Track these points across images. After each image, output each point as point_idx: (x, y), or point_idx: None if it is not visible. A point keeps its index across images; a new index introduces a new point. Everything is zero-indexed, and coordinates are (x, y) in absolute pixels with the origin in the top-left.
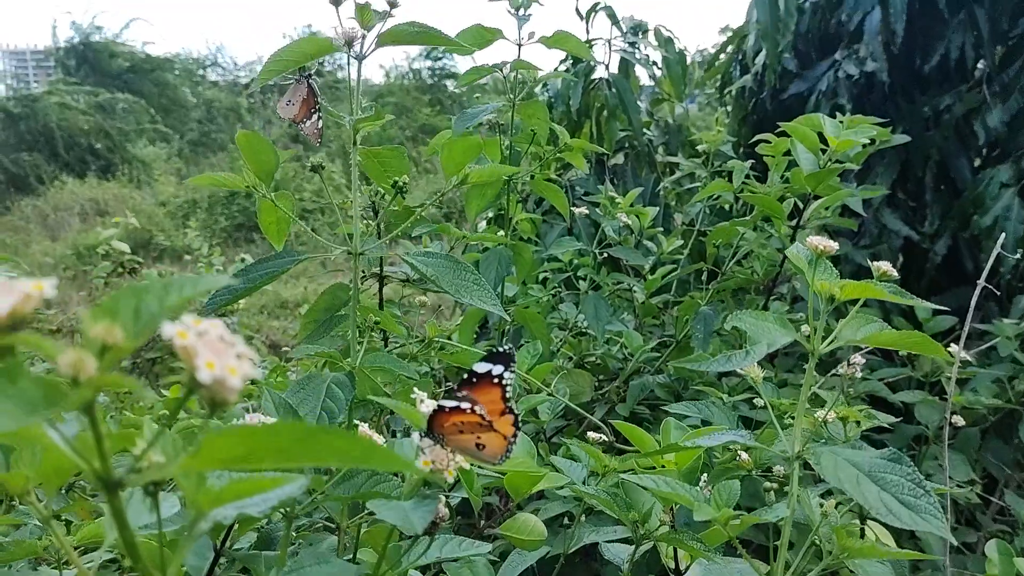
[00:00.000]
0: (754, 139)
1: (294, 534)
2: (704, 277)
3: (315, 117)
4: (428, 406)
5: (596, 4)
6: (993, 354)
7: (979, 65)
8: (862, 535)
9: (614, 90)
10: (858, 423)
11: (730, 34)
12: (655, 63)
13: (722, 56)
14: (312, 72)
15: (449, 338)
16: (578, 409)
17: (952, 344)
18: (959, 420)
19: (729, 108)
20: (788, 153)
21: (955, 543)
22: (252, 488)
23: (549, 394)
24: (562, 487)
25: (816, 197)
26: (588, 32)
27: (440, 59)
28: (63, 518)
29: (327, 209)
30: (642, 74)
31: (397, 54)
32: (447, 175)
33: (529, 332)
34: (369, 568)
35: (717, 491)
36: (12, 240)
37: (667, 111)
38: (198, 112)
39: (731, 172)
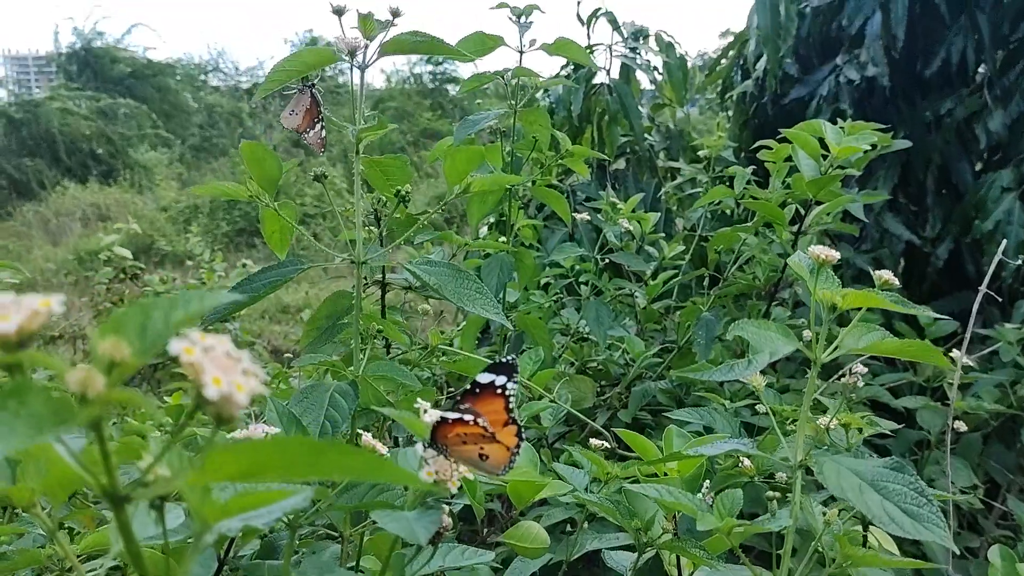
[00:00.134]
0: (755, 145)
1: (296, 542)
2: (706, 283)
3: (318, 127)
4: (431, 417)
5: (597, 10)
6: (995, 359)
7: (980, 69)
8: (865, 542)
9: (615, 95)
10: (860, 430)
11: (731, 38)
12: (656, 68)
13: (723, 61)
14: (315, 82)
15: (451, 344)
16: (580, 415)
17: (954, 349)
18: (961, 425)
19: (730, 113)
20: (789, 159)
21: (957, 552)
22: (258, 501)
23: (551, 400)
24: (565, 494)
25: (818, 203)
26: (589, 38)
27: (441, 63)
28: (66, 526)
29: (328, 213)
30: (643, 78)
31: (398, 58)
32: (450, 184)
33: (531, 338)
34: None
35: (720, 500)
36: (14, 246)
37: (668, 116)
38: (199, 117)
39: (732, 177)
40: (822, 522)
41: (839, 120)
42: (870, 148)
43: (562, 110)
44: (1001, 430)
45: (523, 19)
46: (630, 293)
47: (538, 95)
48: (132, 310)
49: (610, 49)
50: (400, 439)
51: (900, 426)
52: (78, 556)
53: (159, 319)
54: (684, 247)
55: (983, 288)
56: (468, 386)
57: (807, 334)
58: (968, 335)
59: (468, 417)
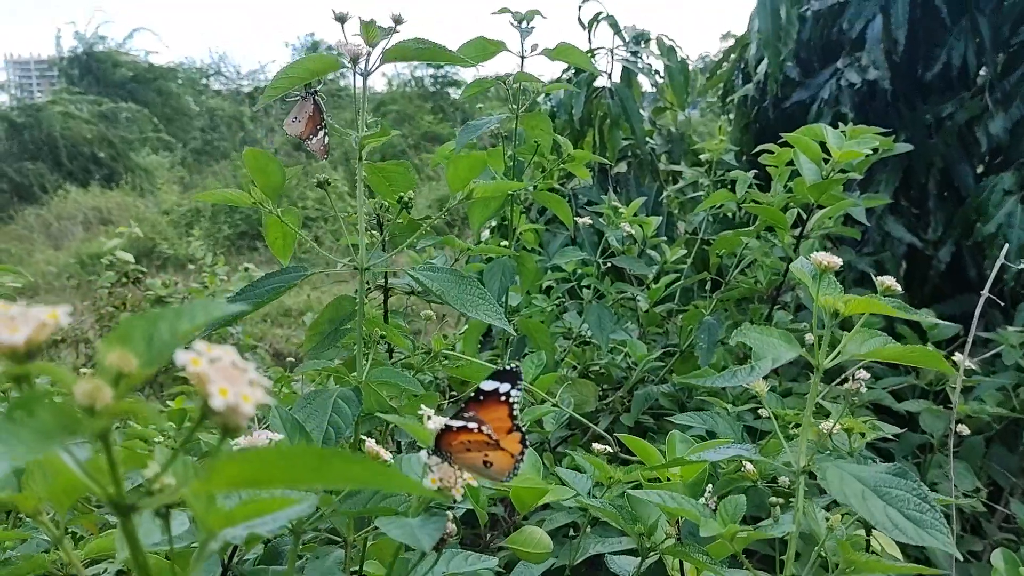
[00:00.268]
0: (757, 149)
1: (300, 547)
2: (708, 286)
3: (321, 134)
4: (435, 423)
5: (598, 14)
6: (997, 362)
7: (981, 72)
8: (868, 546)
9: (617, 99)
10: (863, 434)
11: (732, 41)
12: (657, 72)
13: (724, 64)
14: (317, 89)
15: (453, 348)
16: (582, 419)
17: (956, 353)
18: (964, 429)
19: (731, 116)
20: (791, 163)
21: (960, 558)
22: (262, 508)
23: (553, 404)
24: (567, 499)
25: (819, 207)
26: (590, 41)
27: (442, 67)
28: (69, 530)
29: (329, 217)
30: (644, 82)
31: (400, 62)
32: (452, 190)
33: (533, 342)
34: None
35: (723, 506)
36: (16, 249)
37: (669, 119)
38: (201, 121)
39: (734, 181)
40: (825, 527)
41: (840, 123)
42: (871, 152)
43: (563, 114)
44: (1004, 433)
45: (524, 24)
46: (632, 297)
47: (539, 99)
48: (138, 321)
49: (611, 53)
50: (403, 443)
51: (903, 430)
52: (82, 561)
53: (165, 330)
54: (686, 251)
55: (985, 292)
56: (472, 393)
57: (809, 338)
58: (970, 338)
59: (473, 425)
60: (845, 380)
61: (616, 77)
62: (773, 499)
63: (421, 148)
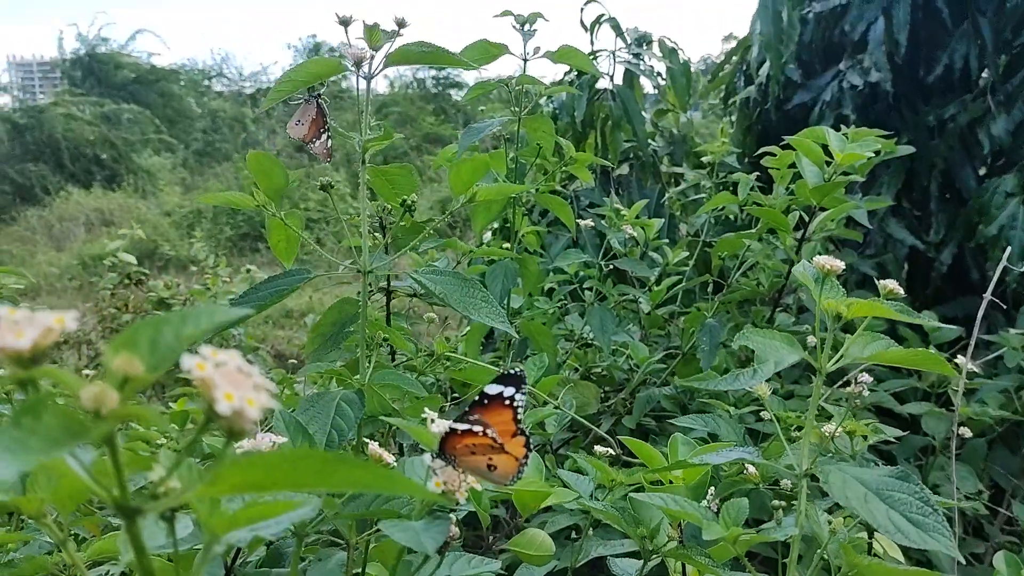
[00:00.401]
0: (759, 151)
1: (302, 549)
2: (710, 288)
3: (324, 137)
4: (439, 426)
5: (600, 16)
6: (1000, 364)
7: (983, 74)
8: (870, 549)
9: (619, 101)
10: (865, 437)
11: (734, 43)
12: (659, 74)
13: (726, 66)
14: (321, 92)
15: (454, 350)
16: (584, 421)
17: (959, 355)
18: (966, 431)
19: (733, 118)
20: (793, 165)
21: (963, 560)
22: (266, 512)
23: (555, 406)
24: (570, 501)
25: (821, 209)
26: (592, 44)
27: (444, 69)
28: (71, 532)
29: (332, 219)
30: (646, 84)
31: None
32: (455, 193)
33: (535, 344)
34: None
35: (726, 509)
36: (18, 251)
37: (671, 121)
38: (203, 122)
39: (736, 183)
40: (827, 530)
41: (842, 126)
42: (873, 154)
43: (565, 116)
44: (1006, 436)
45: (527, 27)
46: (634, 299)
47: (541, 101)
48: (144, 325)
49: (613, 55)
50: (405, 446)
51: (905, 432)
52: (85, 563)
53: (170, 334)
54: (688, 253)
55: (988, 294)
56: (476, 397)
57: (811, 340)
58: (973, 341)
59: (477, 428)
60: (847, 383)
61: (618, 79)
62: (776, 502)
63: (423, 150)
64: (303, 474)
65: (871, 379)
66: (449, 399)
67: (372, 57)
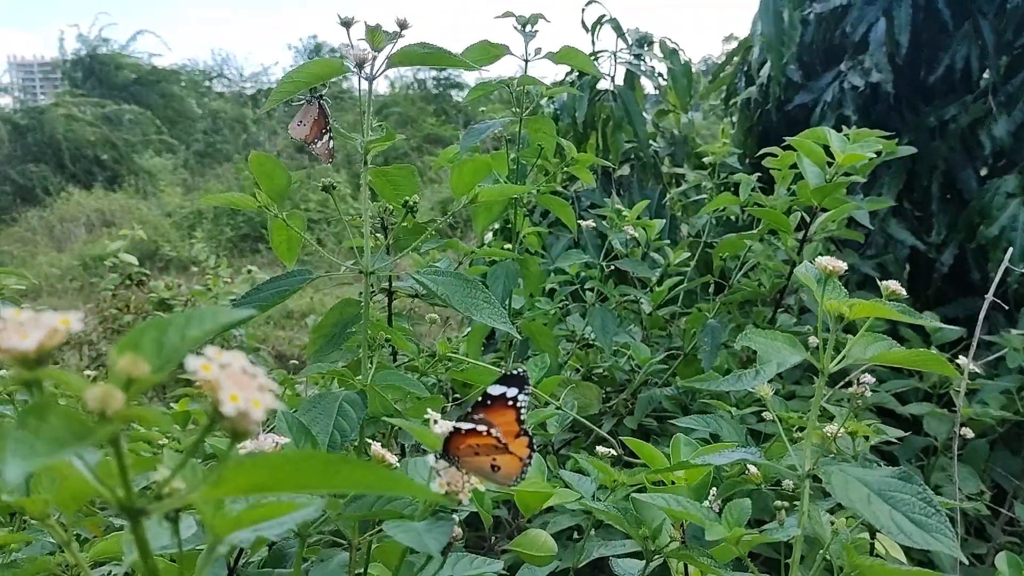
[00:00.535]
0: (760, 152)
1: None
2: (711, 289)
3: (326, 138)
4: (443, 427)
5: (602, 17)
6: (1001, 365)
7: (984, 76)
8: (872, 550)
9: (620, 102)
10: (867, 437)
11: (735, 44)
12: (660, 75)
13: (727, 67)
14: (323, 93)
15: (456, 350)
16: (586, 422)
17: (960, 356)
18: (967, 432)
19: (734, 119)
20: (794, 166)
21: (966, 561)
22: (270, 512)
23: (557, 407)
24: (572, 502)
25: (823, 210)
26: (594, 44)
27: (444, 69)
28: (74, 532)
29: (332, 219)
30: (647, 85)
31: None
32: (457, 194)
33: (536, 345)
34: None
35: (728, 510)
36: (19, 251)
37: (672, 122)
38: (204, 123)
39: (737, 184)
40: (830, 531)
41: (843, 126)
42: (875, 155)
43: (566, 117)
44: (1007, 436)
45: (528, 28)
46: (635, 300)
47: (543, 102)
48: (148, 327)
49: (614, 56)
50: (407, 446)
51: (906, 433)
52: (87, 564)
53: (175, 336)
54: (689, 254)
55: (990, 295)
56: (479, 397)
57: (813, 340)
58: (975, 342)
59: (482, 428)
60: (849, 384)
61: (619, 80)
62: (778, 502)
63: (423, 150)
64: (306, 475)
65: (873, 379)
66: (451, 400)
67: (374, 58)
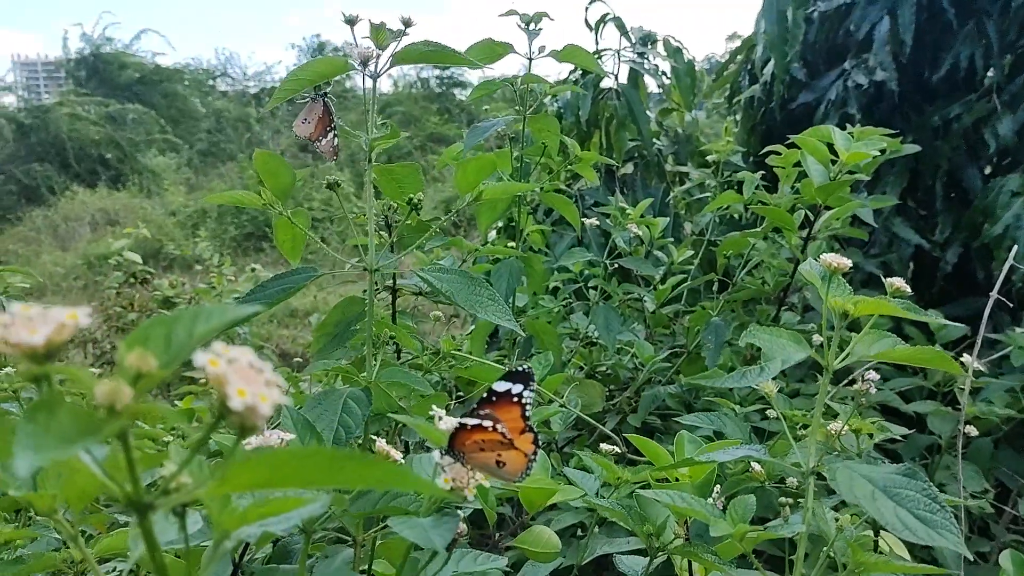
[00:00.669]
0: (764, 150)
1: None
2: (715, 287)
3: (331, 135)
4: (448, 424)
5: (605, 15)
6: (1005, 364)
7: (988, 74)
8: (876, 547)
9: (623, 100)
10: (871, 435)
11: (738, 42)
12: (664, 73)
13: (731, 66)
14: (327, 91)
15: (459, 348)
16: (589, 419)
17: (964, 354)
18: (972, 430)
19: (738, 117)
20: (798, 164)
21: (971, 557)
22: (276, 508)
23: (561, 405)
24: (575, 499)
25: (827, 208)
26: (597, 43)
27: (448, 68)
28: (80, 529)
29: (336, 218)
30: (651, 83)
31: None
32: (461, 192)
33: (540, 343)
34: None
35: (733, 506)
36: (24, 251)
37: (676, 120)
38: (207, 122)
39: (741, 182)
40: (834, 527)
41: (847, 125)
42: (879, 153)
43: (570, 115)
44: (1011, 435)
45: (532, 26)
46: (639, 298)
47: (546, 100)
48: (156, 323)
49: (618, 54)
50: (411, 443)
51: (910, 431)
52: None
53: (182, 332)
54: (693, 252)
55: (994, 293)
56: (484, 394)
57: (817, 339)
58: (979, 340)
59: (487, 424)
60: (853, 381)
61: (623, 78)
62: (783, 499)
63: (427, 149)
64: (313, 471)
65: (878, 376)
66: (454, 398)
67: (378, 56)
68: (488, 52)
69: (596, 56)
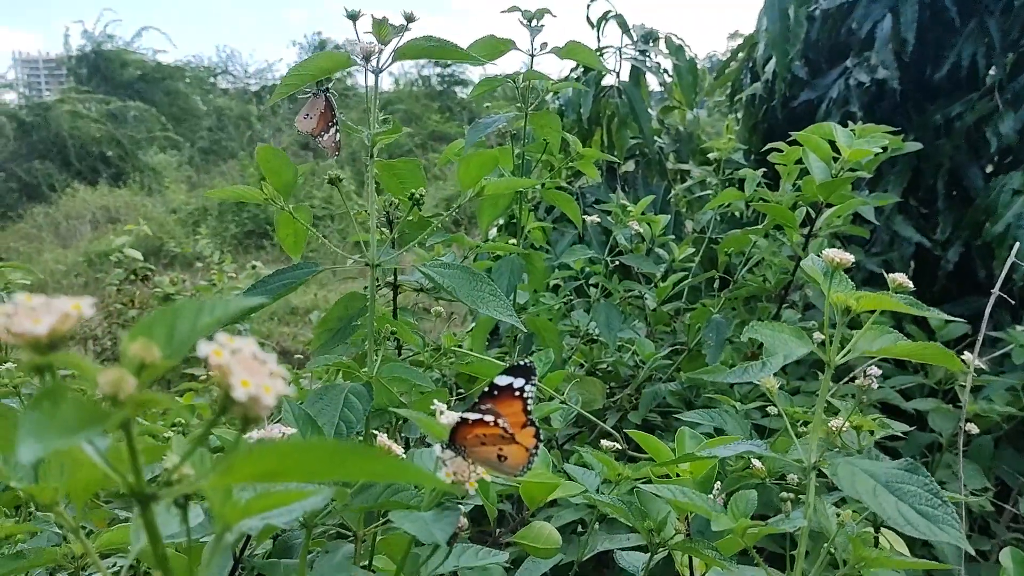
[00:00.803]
0: (766, 147)
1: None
2: (716, 285)
3: (332, 130)
4: (449, 418)
5: (607, 12)
6: (1006, 362)
7: (990, 73)
8: (876, 544)
9: (625, 98)
10: (872, 432)
11: (740, 40)
12: (666, 71)
13: (732, 64)
14: (329, 86)
15: (460, 345)
16: (590, 416)
17: (965, 352)
18: (973, 428)
19: (739, 115)
20: (800, 161)
21: (972, 552)
22: (278, 501)
23: (561, 402)
24: (576, 495)
25: (828, 205)
26: (599, 40)
27: (449, 66)
28: (81, 525)
29: (337, 216)
30: (652, 81)
31: (407, 61)
32: (463, 188)
33: (541, 340)
34: None
35: (734, 501)
36: (24, 248)
37: (678, 118)
38: (208, 120)
39: (743, 180)
40: (835, 523)
41: (849, 123)
42: (881, 150)
43: (571, 113)
44: (1012, 433)
45: (534, 22)
46: (640, 295)
47: (547, 98)
48: (160, 315)
49: (620, 52)
50: (411, 440)
51: (911, 428)
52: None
53: (186, 323)
54: (694, 249)
55: (996, 289)
56: (486, 388)
57: (818, 336)
58: (980, 337)
59: (488, 418)
60: (854, 379)
61: (624, 76)
62: (784, 494)
63: (428, 147)
64: (318, 463)
65: (880, 372)
66: (454, 395)
67: (380, 51)
68: (490, 48)
69: (598, 53)
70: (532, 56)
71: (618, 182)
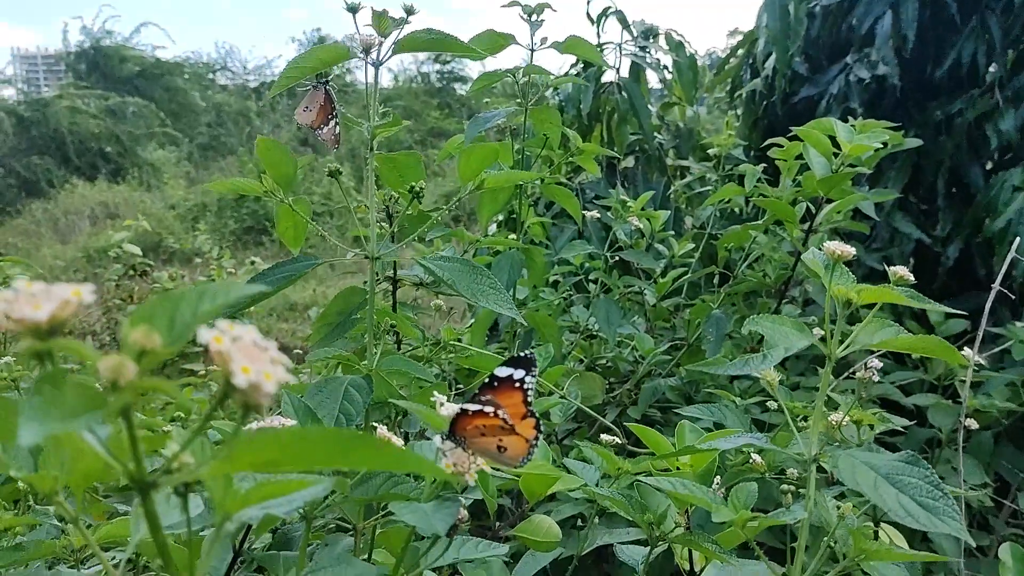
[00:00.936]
0: (767, 142)
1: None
2: (715, 280)
3: (332, 123)
4: (449, 409)
5: (607, 8)
6: (1006, 358)
7: (991, 70)
8: (876, 538)
9: (625, 94)
10: (872, 426)
11: (740, 37)
12: (666, 67)
13: (732, 60)
14: (329, 79)
15: (459, 340)
16: (590, 411)
17: (965, 348)
18: (972, 423)
19: (739, 111)
20: (800, 157)
21: (972, 544)
22: (279, 490)
23: (561, 397)
24: (575, 489)
25: (828, 201)
26: (599, 36)
27: (448, 62)
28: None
29: (335, 211)
30: (652, 77)
31: (406, 57)
32: (463, 181)
33: (540, 335)
34: (387, 569)
35: (734, 493)
36: (23, 244)
37: (678, 114)
38: (207, 116)
39: (742, 176)
40: (836, 517)
41: (849, 119)
42: (881, 146)
43: (571, 108)
44: (1012, 429)
45: (534, 17)
46: (639, 291)
47: (547, 93)
48: (161, 301)
49: (620, 48)
50: (411, 434)
51: (911, 423)
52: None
53: (187, 310)
54: (694, 245)
55: (996, 284)
56: (486, 379)
57: (818, 331)
58: (980, 333)
59: (489, 409)
60: (854, 374)
61: (624, 72)
62: (784, 487)
63: (427, 144)
64: (319, 452)
65: (880, 365)
66: (453, 390)
67: (380, 44)
68: (490, 42)
69: (598, 49)
70: (532, 51)
71: (618, 178)
